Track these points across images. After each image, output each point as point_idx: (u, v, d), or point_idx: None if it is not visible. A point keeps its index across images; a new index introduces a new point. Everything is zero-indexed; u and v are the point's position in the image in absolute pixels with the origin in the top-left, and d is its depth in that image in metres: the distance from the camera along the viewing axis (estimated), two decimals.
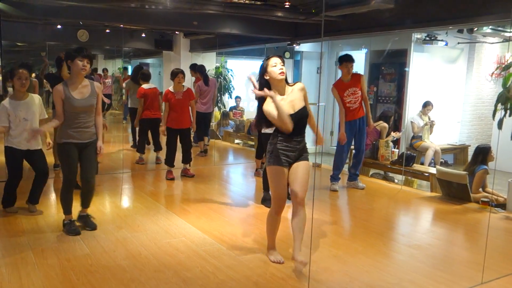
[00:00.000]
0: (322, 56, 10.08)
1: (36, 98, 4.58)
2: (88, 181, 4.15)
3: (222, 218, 4.78)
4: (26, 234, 4.05)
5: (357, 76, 5.89)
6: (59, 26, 8.62)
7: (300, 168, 3.42)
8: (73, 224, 4.12)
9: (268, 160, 3.44)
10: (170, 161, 6.36)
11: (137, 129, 7.61)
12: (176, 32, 10.34)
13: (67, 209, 4.12)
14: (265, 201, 5.20)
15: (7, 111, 4.37)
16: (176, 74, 6.16)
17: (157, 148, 7.45)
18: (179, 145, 6.34)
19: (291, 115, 3.32)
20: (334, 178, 6.07)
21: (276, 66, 3.35)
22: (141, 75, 7.43)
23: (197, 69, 8.28)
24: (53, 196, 5.43)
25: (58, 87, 3.93)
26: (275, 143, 3.39)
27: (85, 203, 4.28)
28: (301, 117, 3.39)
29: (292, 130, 3.33)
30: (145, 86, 7.15)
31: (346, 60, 5.83)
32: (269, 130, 4.86)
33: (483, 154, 5.81)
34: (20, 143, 4.43)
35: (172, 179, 6.33)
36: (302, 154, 3.46)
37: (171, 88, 6.20)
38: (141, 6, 6.18)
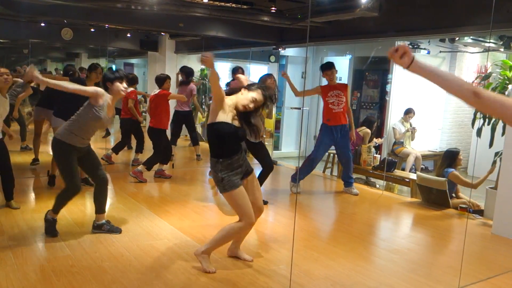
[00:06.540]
0: (307, 61, 10.17)
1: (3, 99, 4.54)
2: (103, 177, 4.08)
3: (205, 220, 4.78)
4: (5, 234, 3.99)
5: (344, 84, 6.14)
6: (42, 24, 8.53)
7: None
8: (54, 223, 4.03)
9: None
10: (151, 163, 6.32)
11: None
12: (162, 33, 10.30)
13: (58, 209, 4.02)
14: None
15: None
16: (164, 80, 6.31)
17: (139, 149, 7.45)
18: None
19: None
20: (295, 179, 6.13)
21: None
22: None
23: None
24: (33, 195, 5.36)
25: (106, 93, 3.90)
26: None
27: (103, 208, 4.16)
28: None
29: None
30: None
31: (326, 68, 6.02)
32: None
33: (451, 157, 5.89)
34: None
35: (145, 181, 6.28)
36: None
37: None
38: (127, 7, 6.16)
